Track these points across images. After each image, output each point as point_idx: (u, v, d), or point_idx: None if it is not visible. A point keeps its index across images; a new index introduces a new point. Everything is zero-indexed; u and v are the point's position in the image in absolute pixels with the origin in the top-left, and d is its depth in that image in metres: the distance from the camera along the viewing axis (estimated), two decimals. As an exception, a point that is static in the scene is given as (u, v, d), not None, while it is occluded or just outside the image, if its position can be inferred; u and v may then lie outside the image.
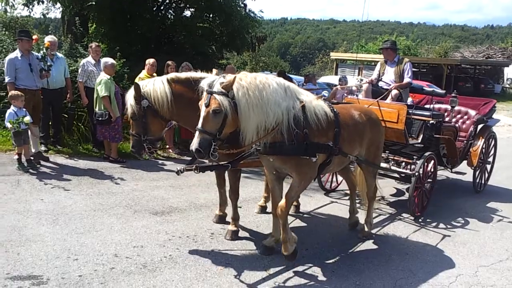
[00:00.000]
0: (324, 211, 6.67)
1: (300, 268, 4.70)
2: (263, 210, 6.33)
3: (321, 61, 37.34)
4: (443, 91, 7.92)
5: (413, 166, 6.65)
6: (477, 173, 8.15)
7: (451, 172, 7.78)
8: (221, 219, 5.74)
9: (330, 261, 4.96)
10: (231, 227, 5.33)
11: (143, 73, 8.71)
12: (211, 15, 12.42)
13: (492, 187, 8.74)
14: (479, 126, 8.09)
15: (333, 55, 30.59)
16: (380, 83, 7.40)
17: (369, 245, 5.53)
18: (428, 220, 6.65)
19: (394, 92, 7.08)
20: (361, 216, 6.05)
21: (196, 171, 4.70)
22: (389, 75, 7.38)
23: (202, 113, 3.91)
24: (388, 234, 6.00)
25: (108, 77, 7.78)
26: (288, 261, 4.73)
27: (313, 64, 40.53)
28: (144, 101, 4.48)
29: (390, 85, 7.23)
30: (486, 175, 8.50)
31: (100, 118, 7.78)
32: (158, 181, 7.31)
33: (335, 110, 4.74)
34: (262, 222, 5.96)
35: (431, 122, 6.58)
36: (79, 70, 8.42)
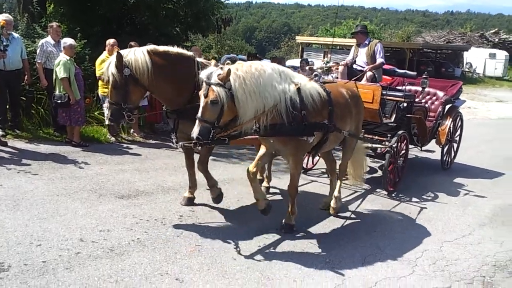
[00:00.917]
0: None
1: (271, 248, 4.69)
2: (267, 190, 6.38)
3: (287, 45, 37.34)
4: (415, 73, 8.18)
5: (387, 143, 6.82)
6: (445, 151, 8.54)
7: (421, 150, 8.14)
8: (189, 201, 5.70)
9: (301, 240, 4.97)
10: (213, 193, 5.61)
11: (104, 54, 8.41)
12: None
13: (457, 164, 9.07)
14: (447, 107, 8.43)
15: (299, 38, 30.63)
16: (354, 66, 7.69)
17: (338, 223, 5.59)
18: (397, 197, 6.85)
19: (369, 73, 7.32)
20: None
21: (195, 147, 4.77)
22: (362, 57, 7.64)
23: (201, 103, 4.13)
24: (357, 212, 6.10)
25: (68, 58, 7.47)
26: (286, 231, 5.05)
27: (279, 48, 40.45)
28: (126, 70, 4.57)
29: (363, 67, 7.50)
30: (453, 153, 8.90)
31: (59, 101, 7.47)
32: (123, 165, 7.13)
33: (327, 89, 5.01)
34: (232, 203, 5.92)
35: (403, 102, 6.86)
36: (38, 51, 8.04)
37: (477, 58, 33.61)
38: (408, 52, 28.57)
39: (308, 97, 4.61)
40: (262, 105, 4.29)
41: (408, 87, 7.97)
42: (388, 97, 6.99)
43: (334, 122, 4.94)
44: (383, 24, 43.67)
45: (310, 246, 4.83)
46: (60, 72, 7.34)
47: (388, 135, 6.93)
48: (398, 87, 7.88)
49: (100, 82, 8.42)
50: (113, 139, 8.59)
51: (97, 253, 4.17)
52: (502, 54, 34.16)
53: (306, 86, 4.68)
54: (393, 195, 6.90)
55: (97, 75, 8.34)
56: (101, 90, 8.46)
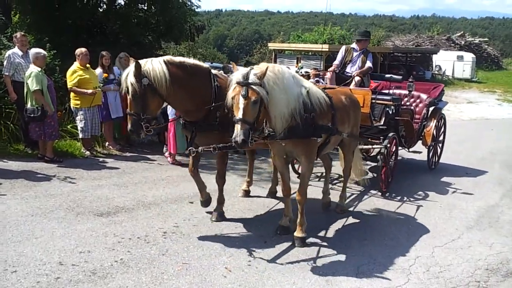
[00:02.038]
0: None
1: (261, 263, 4.50)
2: (246, 194, 6.58)
3: (259, 52, 37.37)
4: (400, 77, 8.45)
5: (381, 145, 7.04)
6: (431, 151, 8.72)
7: (408, 151, 8.30)
8: (206, 203, 5.74)
9: (292, 252, 4.80)
10: (218, 210, 5.61)
11: (75, 64, 8.07)
12: (146, 4, 11.80)
13: (442, 164, 9.24)
14: (431, 109, 8.64)
15: (271, 45, 30.66)
16: (346, 72, 7.75)
17: (329, 232, 5.45)
18: (390, 197, 7.07)
19: (357, 78, 7.46)
20: (333, 197, 6.35)
21: (213, 151, 4.91)
22: (358, 63, 7.73)
23: (241, 104, 4.07)
24: (348, 217, 6.03)
25: (39, 69, 7.13)
26: (299, 245, 4.93)
27: (252, 55, 40.47)
28: (144, 79, 4.51)
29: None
30: (438, 153, 9.13)
31: (32, 115, 7.10)
32: (100, 180, 6.83)
33: (329, 95, 5.19)
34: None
35: (391, 105, 7.12)
36: (5, 63, 7.65)
37: (446, 61, 34.31)
38: (379, 56, 28.95)
39: (316, 100, 4.79)
40: (287, 106, 4.37)
41: (394, 91, 8.16)
42: (377, 101, 7.13)
43: (336, 125, 5.15)
44: (353, 29, 44.19)
45: (302, 259, 4.66)
46: (32, 84, 7.00)
47: (381, 137, 7.17)
48: (385, 91, 8.03)
49: (72, 94, 8.07)
50: (87, 153, 8.25)
51: (78, 277, 3.90)
52: (469, 56, 35.00)
53: (313, 90, 4.86)
54: (386, 195, 7.08)
55: (68, 86, 8.01)
56: (73, 103, 8.10)
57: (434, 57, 34.08)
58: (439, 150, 9.15)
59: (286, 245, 4.95)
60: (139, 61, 4.59)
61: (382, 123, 7.19)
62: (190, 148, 4.99)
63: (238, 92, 4.12)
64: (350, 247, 5.07)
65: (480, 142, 12.59)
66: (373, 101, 6.96)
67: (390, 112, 7.23)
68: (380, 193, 7.12)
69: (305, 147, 4.80)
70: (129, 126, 4.70)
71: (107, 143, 8.89)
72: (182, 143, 8.03)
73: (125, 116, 8.83)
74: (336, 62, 7.89)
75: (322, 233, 5.40)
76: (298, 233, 5.00)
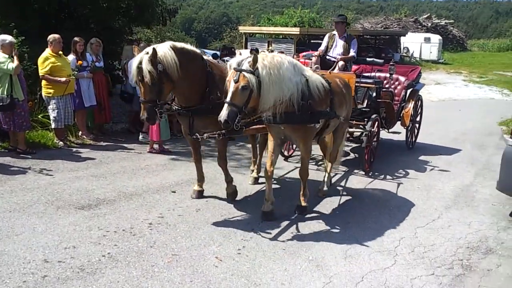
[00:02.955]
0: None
1: (251, 251, 4.49)
2: (256, 181, 6.67)
3: (229, 36, 36.89)
4: (382, 61, 8.80)
5: (366, 127, 7.34)
6: (409, 132, 9.01)
7: (388, 132, 8.54)
8: (200, 194, 5.86)
9: (280, 238, 4.81)
10: (228, 189, 5.83)
11: (47, 51, 7.76)
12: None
13: (418, 143, 9.59)
14: (409, 91, 8.84)
15: (242, 29, 30.27)
16: (328, 56, 8.20)
17: (312, 217, 5.48)
18: (373, 175, 7.34)
19: (341, 63, 7.83)
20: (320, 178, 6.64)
21: (218, 137, 5.20)
22: (338, 48, 8.16)
23: (231, 88, 4.40)
24: (329, 201, 6.13)
25: (7, 56, 6.83)
26: (302, 213, 5.45)
27: (222, 38, 39.92)
28: (159, 65, 4.59)
29: (338, 58, 8.04)
30: (416, 133, 9.46)
31: (0, 103, 6.81)
32: (78, 171, 6.64)
33: (328, 80, 5.45)
34: (201, 204, 5.65)
35: (374, 88, 7.41)
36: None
37: (413, 43, 34.76)
38: (349, 39, 29.05)
39: (315, 88, 5.01)
40: (281, 95, 4.61)
41: (377, 74, 8.40)
42: (362, 84, 7.43)
43: (334, 109, 5.44)
44: (323, 12, 44.20)
45: (291, 245, 4.68)
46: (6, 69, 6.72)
47: (365, 119, 7.40)
48: (366, 74, 8.24)
49: (44, 82, 7.76)
50: (61, 143, 8.01)
51: (66, 274, 3.79)
52: (436, 38, 35.57)
53: (312, 78, 5.08)
54: (370, 174, 7.36)
55: (40, 74, 7.70)
56: (45, 91, 7.79)
57: (402, 39, 34.46)
58: (416, 131, 9.46)
59: (273, 231, 4.95)
60: (149, 47, 4.66)
61: (365, 105, 7.48)
62: (195, 134, 5.20)
63: (232, 76, 4.46)
64: (335, 231, 5.12)
65: (450, 123, 12.90)
66: (357, 84, 7.16)
67: (373, 95, 7.52)
68: (363, 173, 7.38)
69: (302, 133, 5.10)
70: (144, 114, 4.69)
71: (80, 132, 8.64)
72: (166, 131, 7.93)
73: (99, 104, 8.71)
74: (321, 47, 8.34)
75: (306, 218, 5.44)
76: (302, 203, 5.50)
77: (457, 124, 12.80)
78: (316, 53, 8.36)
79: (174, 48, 4.79)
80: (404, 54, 33.54)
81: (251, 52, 4.66)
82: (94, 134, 8.82)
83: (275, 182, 6.31)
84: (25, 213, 4.98)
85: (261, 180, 6.71)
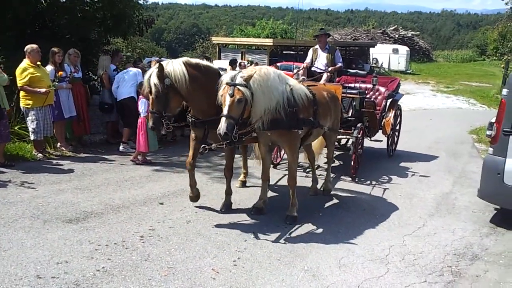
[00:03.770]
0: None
1: (246, 261, 4.48)
2: (243, 184, 6.99)
3: (202, 46, 36.92)
4: (365, 72, 9.43)
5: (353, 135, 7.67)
6: (389, 140, 9.44)
7: (370, 140, 8.83)
8: (196, 198, 5.98)
9: (274, 248, 4.82)
10: (227, 201, 5.92)
11: (25, 62, 7.55)
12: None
13: (398, 151, 10.00)
14: (389, 101, 9.22)
15: (215, 39, 30.39)
16: (313, 68, 8.60)
17: (302, 227, 5.50)
18: (359, 181, 7.67)
19: (326, 75, 8.19)
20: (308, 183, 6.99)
21: (225, 147, 5.38)
22: (322, 60, 8.55)
23: (227, 102, 4.63)
24: (319, 209, 6.24)
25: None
26: (291, 223, 5.48)
27: (194, 49, 39.87)
28: (166, 80, 4.90)
29: (323, 69, 8.40)
30: (395, 141, 9.87)
31: None
32: (61, 184, 6.48)
33: (312, 91, 5.73)
34: (191, 216, 5.60)
35: (358, 98, 7.76)
36: None
37: (382, 54, 35.73)
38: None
39: (299, 96, 5.31)
40: (269, 104, 4.90)
41: (363, 85, 8.75)
42: (348, 95, 7.79)
43: (318, 119, 5.70)
44: (294, 23, 44.82)
45: (285, 255, 4.70)
46: None
47: (352, 128, 7.72)
48: (351, 85, 8.58)
49: (22, 93, 7.55)
50: (40, 155, 7.80)
51: (62, 290, 3.69)
52: (403, 49, 36.70)
53: (296, 87, 5.37)
54: (356, 180, 7.66)
55: (18, 85, 7.49)
56: (23, 102, 7.57)
57: (371, 50, 35.36)
58: (396, 139, 9.85)
59: (266, 242, 4.96)
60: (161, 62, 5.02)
61: (350, 114, 7.86)
62: (204, 145, 5.41)
63: (226, 91, 4.67)
64: (326, 240, 5.17)
65: (423, 132, 13.28)
66: (343, 95, 7.44)
67: (357, 105, 7.87)
68: (350, 179, 7.69)
69: (288, 137, 5.38)
70: (150, 123, 5.08)
71: (58, 144, 8.44)
72: (154, 141, 7.86)
73: (78, 116, 8.55)
74: (307, 60, 8.77)
75: (297, 227, 5.47)
76: (291, 213, 5.60)
77: (429, 133, 13.18)
78: (302, 65, 8.80)
79: (187, 64, 5.10)
80: (374, 65, 34.33)
81: (230, 63, 4.86)
82: (73, 145, 8.63)
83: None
84: (11, 228, 4.82)
85: (248, 189, 6.74)
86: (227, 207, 5.88)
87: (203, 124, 5.45)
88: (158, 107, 4.98)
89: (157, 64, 4.97)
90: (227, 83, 4.71)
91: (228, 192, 6.00)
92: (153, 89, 4.91)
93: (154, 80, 4.88)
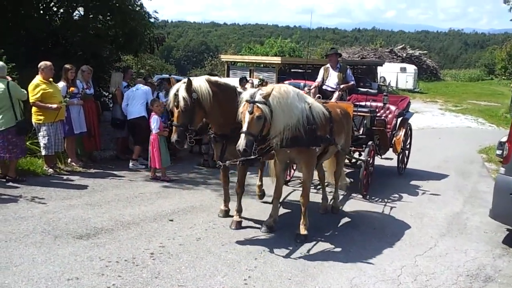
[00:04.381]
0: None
1: (257, 280, 4.45)
2: (262, 197, 7.17)
3: (211, 64, 37.25)
4: (375, 91, 9.41)
5: (362, 153, 7.79)
6: (400, 158, 9.45)
7: (381, 158, 8.88)
8: (226, 213, 6.20)
9: (285, 267, 4.78)
10: (236, 218, 5.91)
11: (38, 78, 7.65)
12: (108, 16, 11.43)
13: (408, 169, 9.98)
14: (399, 119, 9.26)
15: (224, 57, 30.66)
16: (325, 86, 8.67)
17: (314, 247, 5.46)
18: (370, 199, 7.66)
19: (337, 93, 8.26)
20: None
21: (239, 164, 5.61)
22: (333, 79, 8.63)
23: (247, 118, 4.74)
24: (331, 227, 6.22)
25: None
26: (300, 241, 5.43)
27: (202, 66, 40.23)
28: (194, 94, 5.12)
29: (334, 88, 8.48)
30: (406, 159, 9.85)
31: (23, 126, 6.95)
32: (71, 199, 6.50)
33: (328, 109, 5.82)
34: (201, 233, 5.58)
35: (368, 117, 7.84)
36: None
37: (390, 72, 35.75)
38: (328, 68, 29.59)
39: (317, 114, 5.43)
40: (289, 121, 4.98)
41: (369, 103, 8.78)
42: (359, 113, 7.84)
43: (333, 136, 5.80)
44: (302, 42, 45.16)
45: (295, 274, 4.66)
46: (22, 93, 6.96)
47: (363, 145, 7.83)
48: (362, 103, 8.58)
49: (34, 109, 7.64)
50: (50, 170, 7.85)
51: (73, 307, 3.67)
52: (411, 68, 36.73)
53: (314, 105, 5.49)
54: (367, 197, 7.68)
55: (31, 101, 7.58)
56: (35, 118, 7.64)
57: (379, 68, 35.42)
58: (406, 157, 9.86)
59: (276, 261, 4.93)
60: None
61: (361, 132, 7.94)
62: (218, 162, 5.62)
63: (246, 108, 4.80)
64: (337, 260, 5.12)
65: (432, 151, 13.21)
66: (354, 113, 7.47)
67: (368, 123, 7.95)
68: (361, 196, 7.70)
69: (306, 155, 5.45)
70: (175, 137, 5.18)
71: (69, 159, 8.50)
72: (166, 157, 7.92)
73: (89, 132, 8.62)
74: (318, 79, 8.84)
75: (307, 246, 5.43)
76: (302, 231, 5.55)
77: (439, 152, 13.11)
78: (314, 84, 8.86)
79: (209, 81, 5.37)
80: (381, 84, 34.36)
81: (240, 81, 4.90)
82: (83, 161, 8.69)
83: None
84: (22, 243, 4.83)
85: (258, 206, 6.72)
86: (237, 225, 5.86)
87: (222, 139, 5.63)
88: (184, 121, 5.13)
89: (186, 79, 5.20)
90: (246, 101, 4.82)
91: (239, 210, 6.01)
92: (182, 103, 5.06)
93: (183, 93, 5.06)
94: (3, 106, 6.81)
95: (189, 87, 5.10)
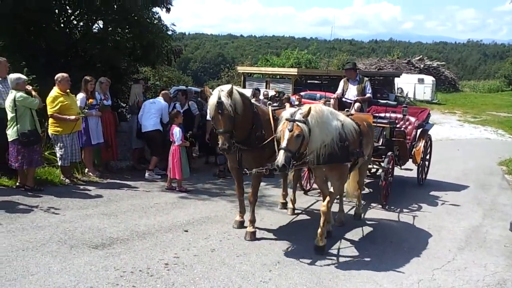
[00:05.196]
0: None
1: (271, 292, 4.41)
2: (284, 206, 7.32)
3: (227, 75, 37.51)
4: (395, 103, 9.56)
5: (382, 164, 7.87)
6: (420, 169, 9.48)
7: (401, 169, 8.91)
8: (241, 224, 6.20)
9: (298, 280, 4.73)
10: (250, 229, 5.90)
11: (55, 90, 7.77)
12: (126, 28, 11.63)
13: (428, 180, 9.98)
14: (419, 130, 9.29)
15: (240, 69, 30.86)
16: (345, 99, 8.88)
17: (330, 258, 5.40)
18: (389, 209, 7.74)
19: (357, 104, 8.41)
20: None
21: (266, 172, 5.71)
22: (352, 91, 8.85)
23: (286, 136, 4.89)
24: (347, 239, 6.14)
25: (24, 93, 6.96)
26: (318, 252, 5.44)
27: (219, 78, 40.54)
28: (232, 101, 5.27)
29: (353, 100, 8.64)
30: (426, 170, 9.89)
31: (31, 138, 6.96)
32: (87, 209, 6.56)
33: (357, 123, 6.02)
34: (215, 244, 5.57)
35: (388, 128, 7.93)
36: (-18, 89, 7.29)
37: (407, 84, 35.58)
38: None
39: (349, 130, 5.63)
40: (325, 139, 5.18)
41: (388, 114, 8.90)
42: (378, 124, 7.90)
43: (363, 148, 6.00)
44: (318, 53, 45.19)
45: (311, 287, 4.61)
46: (33, 101, 7.02)
47: (383, 156, 7.89)
48: (381, 115, 8.70)
49: (51, 120, 7.75)
50: (67, 180, 7.95)
51: (88, 317, 3.68)
52: (429, 79, 36.47)
53: (346, 122, 5.69)
54: (386, 207, 7.76)
55: (49, 113, 7.71)
56: (52, 129, 7.76)
57: (396, 80, 35.26)
58: (426, 168, 9.87)
59: (291, 273, 4.88)
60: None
61: (380, 143, 7.99)
62: (244, 170, 5.78)
63: (285, 126, 4.95)
64: (353, 272, 5.05)
65: (451, 163, 13.04)
66: (374, 124, 7.55)
67: (387, 134, 8.04)
68: (380, 206, 7.81)
69: (339, 171, 5.64)
70: (225, 144, 5.30)
71: (86, 169, 8.60)
72: (186, 168, 7.99)
73: (106, 142, 8.72)
74: (338, 91, 9.09)
75: (323, 258, 5.37)
76: (319, 243, 5.53)
77: (458, 164, 12.94)
78: (333, 95, 9.10)
79: (237, 91, 5.52)
80: (399, 95, 34.14)
81: (253, 93, 4.84)
82: (100, 171, 8.78)
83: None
84: (39, 252, 4.88)
85: (272, 217, 6.69)
86: (251, 236, 5.85)
87: (238, 147, 5.71)
88: (230, 127, 5.28)
89: (229, 86, 5.39)
90: (286, 119, 4.97)
91: (252, 220, 6.00)
92: (229, 109, 5.21)
93: (228, 101, 5.22)
94: (12, 118, 6.91)
95: (230, 94, 5.26)
